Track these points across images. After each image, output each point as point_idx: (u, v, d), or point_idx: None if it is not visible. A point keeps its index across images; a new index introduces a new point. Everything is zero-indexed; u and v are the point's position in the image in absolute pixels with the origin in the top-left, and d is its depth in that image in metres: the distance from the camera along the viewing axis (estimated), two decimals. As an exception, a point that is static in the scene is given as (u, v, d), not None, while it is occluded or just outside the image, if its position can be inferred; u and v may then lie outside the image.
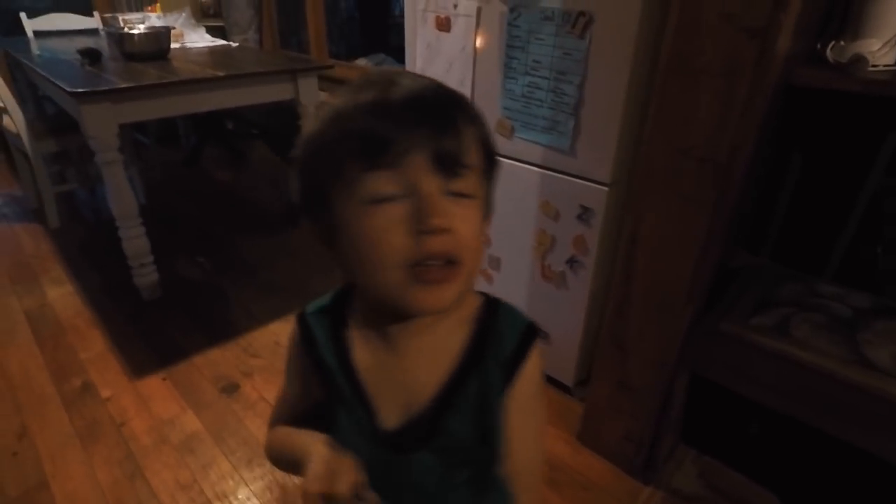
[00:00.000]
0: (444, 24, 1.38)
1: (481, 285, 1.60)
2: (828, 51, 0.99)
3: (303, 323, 0.55)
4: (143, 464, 1.31)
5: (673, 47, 0.89)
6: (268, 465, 1.33)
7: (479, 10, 1.29)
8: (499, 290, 1.55)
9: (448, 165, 0.41)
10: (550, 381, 1.57)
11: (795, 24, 0.86)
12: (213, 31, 3.33)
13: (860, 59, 0.93)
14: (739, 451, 1.35)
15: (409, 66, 1.52)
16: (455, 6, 1.33)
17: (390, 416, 0.50)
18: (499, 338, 0.50)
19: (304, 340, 0.54)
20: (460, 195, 0.42)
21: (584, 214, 1.27)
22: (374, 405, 0.51)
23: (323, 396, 0.54)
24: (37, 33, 2.83)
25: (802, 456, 1.23)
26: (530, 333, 0.51)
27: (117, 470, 1.30)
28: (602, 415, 1.30)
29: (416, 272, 0.41)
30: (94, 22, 3.05)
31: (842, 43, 0.99)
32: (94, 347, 1.72)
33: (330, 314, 0.54)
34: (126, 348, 1.71)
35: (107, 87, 1.56)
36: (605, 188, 1.22)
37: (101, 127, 1.60)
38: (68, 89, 1.50)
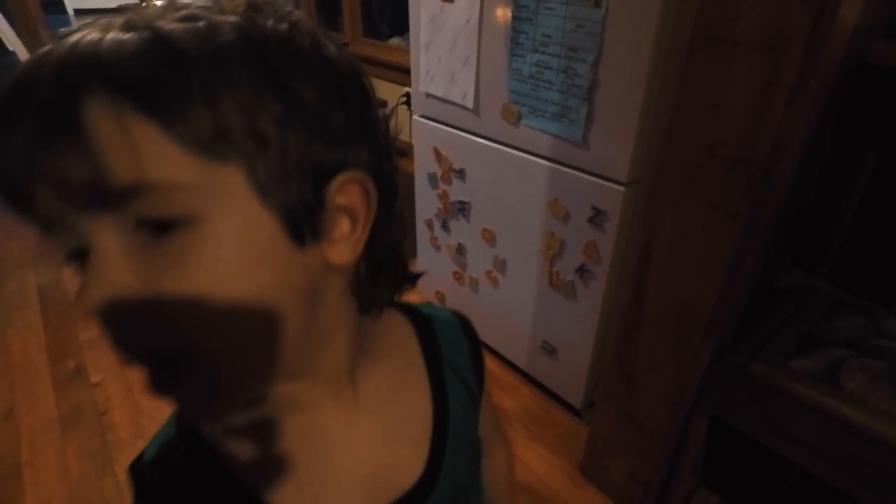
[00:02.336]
0: (448, -7, 1.21)
1: (487, 292, 1.44)
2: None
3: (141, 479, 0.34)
4: (115, 458, 1.26)
5: (700, 12, 0.69)
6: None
7: (485, -24, 1.11)
8: (505, 296, 1.39)
9: (90, 196, 0.23)
10: (556, 400, 1.40)
11: (871, -20, 0.64)
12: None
13: (964, 32, 0.70)
14: (774, 502, 1.14)
15: (412, 42, 1.36)
16: (460, -29, 1.16)
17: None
18: (450, 347, 0.43)
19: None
20: (159, 226, 0.23)
21: (597, 217, 1.08)
22: None
23: None
24: (77, 11, 2.87)
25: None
26: (468, 324, 0.46)
27: (88, 462, 1.25)
28: (607, 449, 1.12)
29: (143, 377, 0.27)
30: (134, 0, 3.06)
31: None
32: (95, 328, 1.70)
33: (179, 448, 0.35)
34: (124, 332, 1.69)
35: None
36: (622, 188, 1.02)
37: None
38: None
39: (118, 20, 0.24)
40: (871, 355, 0.82)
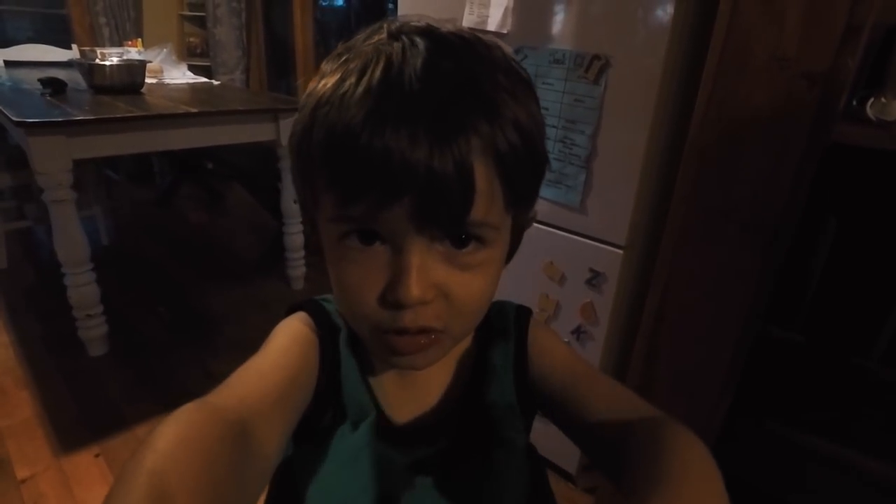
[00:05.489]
0: (440, 65, 1.26)
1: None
2: (867, 107, 0.88)
3: (321, 311, 0.44)
4: (53, 572, 1.06)
5: (713, 93, 0.76)
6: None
7: (479, 51, 1.17)
8: (493, 358, 1.37)
9: (441, 225, 0.31)
10: (550, 466, 1.37)
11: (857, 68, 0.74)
12: (199, 70, 3.24)
13: (910, 118, 0.82)
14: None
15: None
16: (453, 46, 1.21)
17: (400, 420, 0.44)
18: (501, 331, 0.47)
19: (325, 329, 0.43)
20: (459, 242, 0.33)
21: (595, 279, 1.11)
22: (387, 414, 0.43)
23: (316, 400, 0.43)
24: (8, 63, 2.69)
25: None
26: (522, 315, 0.48)
27: (18, 581, 1.04)
28: (615, 517, 1.10)
29: (386, 339, 0.34)
30: (72, 55, 2.92)
31: (883, 100, 0.88)
32: (19, 413, 1.48)
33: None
34: (57, 416, 1.47)
35: (60, 118, 1.39)
36: (620, 251, 1.06)
37: (52, 162, 1.42)
38: (14, 118, 1.33)
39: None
40: (869, 405, 0.87)
